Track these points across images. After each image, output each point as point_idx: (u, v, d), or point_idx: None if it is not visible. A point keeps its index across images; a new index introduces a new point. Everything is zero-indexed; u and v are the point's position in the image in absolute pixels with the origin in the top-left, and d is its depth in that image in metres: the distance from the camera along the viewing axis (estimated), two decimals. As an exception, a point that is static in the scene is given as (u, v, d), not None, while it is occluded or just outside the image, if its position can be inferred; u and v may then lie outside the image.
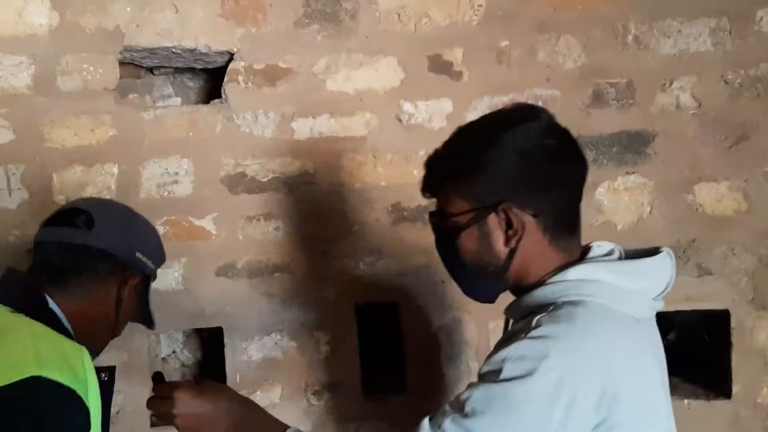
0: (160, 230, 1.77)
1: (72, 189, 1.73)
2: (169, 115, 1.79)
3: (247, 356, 1.81)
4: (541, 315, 0.89)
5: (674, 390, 1.84)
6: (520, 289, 0.98)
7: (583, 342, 0.85)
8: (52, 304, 1.08)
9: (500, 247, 0.94)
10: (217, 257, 1.81)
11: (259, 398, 1.81)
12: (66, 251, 1.11)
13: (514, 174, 0.92)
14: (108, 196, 1.75)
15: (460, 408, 0.86)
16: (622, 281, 0.92)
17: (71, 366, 0.94)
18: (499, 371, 0.85)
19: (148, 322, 1.32)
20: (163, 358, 2.03)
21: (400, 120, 1.80)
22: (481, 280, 1.00)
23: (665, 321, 1.81)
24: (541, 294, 0.93)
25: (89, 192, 1.74)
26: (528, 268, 0.95)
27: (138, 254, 1.20)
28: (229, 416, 1.04)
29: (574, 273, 0.92)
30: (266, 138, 1.81)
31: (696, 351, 1.89)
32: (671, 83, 1.80)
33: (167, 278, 1.78)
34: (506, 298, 1.04)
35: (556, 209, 0.94)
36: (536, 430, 0.83)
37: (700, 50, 1.81)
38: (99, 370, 1.22)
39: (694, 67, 1.80)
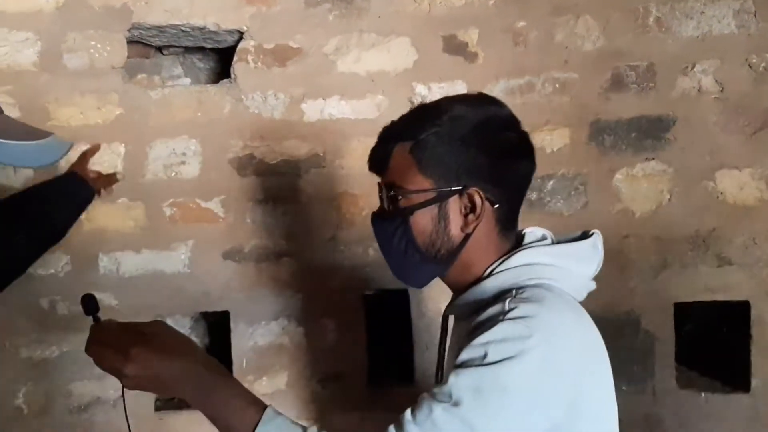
0: (166, 212, 1.75)
1: (77, 168, 1.70)
2: (177, 95, 1.75)
3: (253, 342, 1.78)
4: (510, 298, 0.87)
5: (691, 383, 1.80)
6: (458, 282, 0.95)
7: (557, 319, 0.85)
8: None
9: (456, 231, 0.92)
10: (224, 240, 1.78)
11: (265, 384, 1.78)
12: None
13: (486, 161, 0.90)
14: (114, 177, 1.72)
15: (447, 396, 0.81)
16: (564, 263, 0.92)
17: None
18: (483, 356, 0.82)
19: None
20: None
21: (412, 102, 1.76)
22: (422, 263, 0.95)
23: (682, 312, 1.77)
24: (491, 284, 0.91)
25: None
26: (474, 256, 0.93)
27: None
28: (195, 384, 0.86)
29: (517, 259, 0.91)
30: (275, 119, 1.77)
31: (714, 343, 1.84)
32: (693, 67, 1.75)
33: (173, 261, 1.75)
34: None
35: (512, 200, 0.94)
36: (527, 412, 0.81)
37: (723, 33, 1.74)
38: None
39: (717, 51, 1.74)
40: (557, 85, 1.75)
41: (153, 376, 0.83)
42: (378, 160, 0.96)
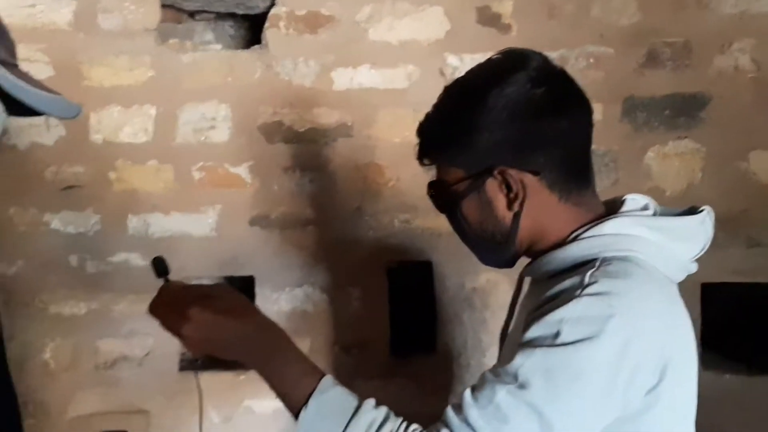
0: (195, 176, 1.77)
1: (109, 129, 1.72)
2: (208, 59, 1.76)
3: (277, 307, 1.79)
4: (592, 270, 0.80)
5: (715, 365, 1.78)
6: (537, 251, 0.91)
7: (644, 300, 0.78)
8: None
9: (503, 212, 0.88)
10: (251, 206, 1.79)
11: (288, 350, 1.79)
12: None
13: (504, 134, 0.85)
14: (145, 139, 1.74)
15: (512, 378, 0.76)
16: (662, 239, 0.84)
17: None
18: (556, 334, 0.76)
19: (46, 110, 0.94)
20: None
21: (443, 73, 1.75)
22: (491, 248, 0.93)
23: (708, 292, 1.75)
24: (575, 250, 0.85)
25: (126, 132, 1.72)
26: (542, 229, 0.89)
27: None
28: (251, 349, 0.84)
29: (611, 227, 0.84)
30: (305, 87, 1.77)
31: (738, 325, 1.82)
32: (730, 45, 1.71)
33: (200, 224, 1.77)
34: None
35: (559, 164, 0.86)
36: (602, 398, 0.75)
37: (762, 11, 1.71)
38: None
39: (755, 29, 1.71)
40: (591, 60, 1.73)
41: (209, 337, 0.82)
42: (422, 158, 0.95)
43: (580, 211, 0.88)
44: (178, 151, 1.75)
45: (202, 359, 1.77)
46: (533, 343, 0.77)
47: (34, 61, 1.66)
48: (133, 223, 1.74)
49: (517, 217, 0.87)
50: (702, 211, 0.89)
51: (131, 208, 1.74)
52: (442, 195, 0.93)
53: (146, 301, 0.83)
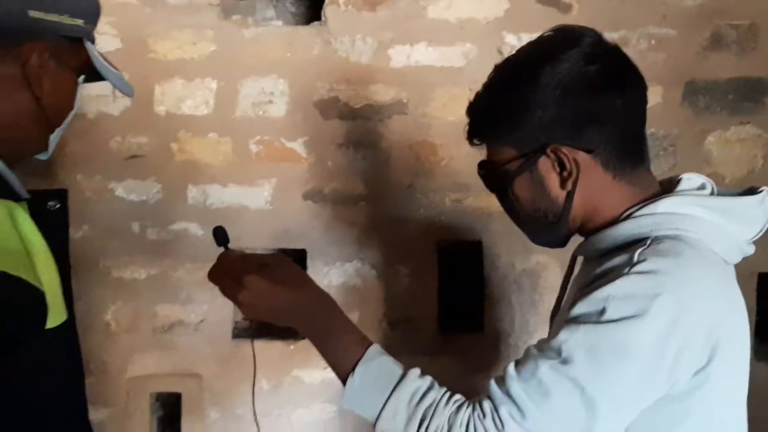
0: (253, 149, 1.81)
1: (172, 101, 1.77)
2: (269, 35, 1.79)
3: (328, 281, 1.82)
4: (642, 248, 0.80)
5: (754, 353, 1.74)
6: (590, 230, 0.90)
7: (694, 280, 0.77)
8: None
9: (556, 191, 0.88)
10: (305, 181, 1.82)
11: (337, 323, 1.83)
12: None
13: (557, 112, 0.84)
14: (206, 112, 1.78)
15: (555, 353, 0.77)
16: (718, 219, 0.83)
17: None
18: (602, 311, 0.75)
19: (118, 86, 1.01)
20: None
21: (500, 53, 1.74)
22: (543, 227, 0.93)
23: (765, 282, 1.71)
24: (628, 227, 0.84)
25: (188, 105, 1.77)
26: (595, 207, 0.88)
27: (33, 13, 0.86)
28: (303, 317, 0.88)
29: (665, 205, 0.83)
30: (362, 64, 1.79)
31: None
32: (800, 28, 1.66)
33: (256, 197, 1.81)
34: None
35: (614, 141, 0.85)
36: (646, 377, 0.75)
37: (836, -6, 1.66)
38: (47, 196, 1.07)
39: (827, 13, 1.66)
40: (653, 42, 1.70)
41: (264, 304, 0.85)
42: (473, 137, 0.95)
43: (634, 190, 0.87)
44: (237, 124, 1.79)
45: (254, 328, 1.83)
46: (578, 320, 0.78)
47: (103, 33, 1.72)
48: (193, 193, 1.79)
49: (570, 195, 0.87)
50: (762, 191, 0.87)
51: (191, 179, 1.79)
52: (493, 174, 0.93)
53: (203, 269, 0.87)
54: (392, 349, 1.83)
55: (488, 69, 0.94)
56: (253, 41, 1.78)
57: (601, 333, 0.75)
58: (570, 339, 0.76)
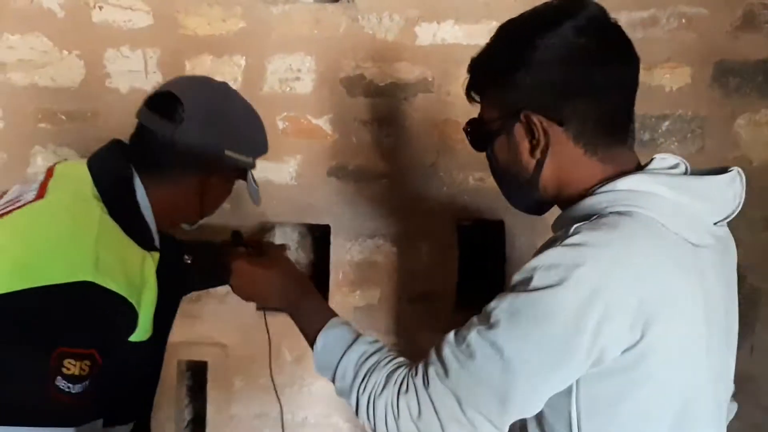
0: (279, 125, 1.83)
1: (201, 77, 1.80)
2: (297, 11, 1.81)
3: (350, 256, 1.86)
4: (581, 223, 0.81)
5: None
6: (564, 202, 0.91)
7: (623, 253, 0.77)
8: (139, 195, 1.08)
9: (527, 157, 0.89)
10: (329, 157, 1.85)
11: (358, 298, 1.87)
12: (154, 141, 1.09)
13: (538, 79, 0.85)
14: (234, 88, 1.81)
15: (485, 319, 0.82)
16: (680, 198, 0.82)
17: (127, 273, 0.97)
18: (528, 280, 0.78)
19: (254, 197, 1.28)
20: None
21: (526, 31, 1.73)
22: (516, 190, 0.96)
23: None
24: (587, 204, 0.85)
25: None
26: (564, 179, 0.89)
27: (228, 152, 1.13)
28: (277, 292, 1.12)
29: (625, 183, 0.83)
30: (388, 41, 1.80)
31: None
32: (838, 9, 1.62)
33: (282, 172, 1.84)
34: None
35: (589, 116, 0.85)
36: (564, 344, 0.76)
37: None
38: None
39: None
40: (683, 21, 1.67)
41: (247, 284, 1.13)
42: (467, 93, 0.98)
43: (606, 167, 0.87)
44: (265, 100, 1.82)
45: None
46: (509, 288, 0.82)
47: (135, 9, 1.77)
48: (220, 167, 1.83)
49: (540, 164, 0.89)
50: (732, 170, 0.87)
51: (218, 153, 1.83)
52: (476, 132, 0.97)
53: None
54: (411, 325, 1.88)
55: (514, 48, 0.95)
56: (281, 18, 1.80)
57: (524, 300, 0.78)
58: (498, 306, 0.81)
